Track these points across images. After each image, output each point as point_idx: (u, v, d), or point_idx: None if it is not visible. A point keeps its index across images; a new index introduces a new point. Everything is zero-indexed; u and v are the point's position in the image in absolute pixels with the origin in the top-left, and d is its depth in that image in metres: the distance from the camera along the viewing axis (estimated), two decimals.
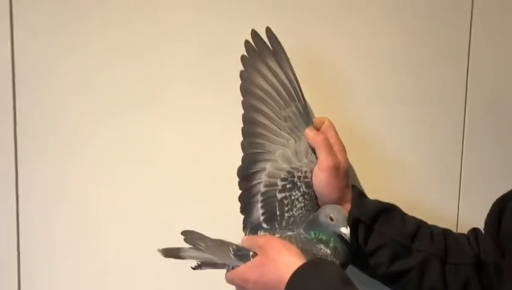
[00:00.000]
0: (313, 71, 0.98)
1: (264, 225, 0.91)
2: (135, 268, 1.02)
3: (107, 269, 1.02)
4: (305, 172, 0.91)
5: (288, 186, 0.91)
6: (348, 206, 0.91)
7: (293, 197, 0.90)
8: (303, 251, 0.83)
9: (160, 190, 1.00)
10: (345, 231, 0.83)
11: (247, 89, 0.91)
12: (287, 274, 0.79)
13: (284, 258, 0.81)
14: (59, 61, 0.96)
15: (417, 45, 1.01)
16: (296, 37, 0.97)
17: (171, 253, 0.87)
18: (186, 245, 0.88)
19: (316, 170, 0.90)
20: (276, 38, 0.90)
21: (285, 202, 0.90)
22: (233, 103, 0.92)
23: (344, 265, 0.86)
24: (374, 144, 1.03)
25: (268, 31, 0.90)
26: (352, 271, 0.89)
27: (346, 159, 0.92)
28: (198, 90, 0.98)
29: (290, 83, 0.91)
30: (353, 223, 0.90)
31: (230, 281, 0.87)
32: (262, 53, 0.90)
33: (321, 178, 0.89)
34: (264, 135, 0.91)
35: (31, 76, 0.96)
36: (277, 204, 0.91)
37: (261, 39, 0.90)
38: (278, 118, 0.91)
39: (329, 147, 0.90)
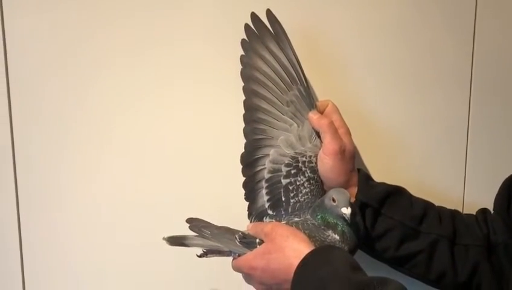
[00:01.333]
0: (315, 51, 0.97)
1: (270, 212, 0.90)
2: (141, 258, 1.01)
3: (112, 259, 1.01)
4: (310, 157, 0.89)
5: (292, 171, 0.89)
6: (355, 189, 0.91)
7: (298, 183, 0.89)
8: (310, 237, 0.83)
9: (164, 178, 0.99)
10: (346, 211, 0.81)
11: (248, 74, 0.90)
12: (295, 261, 0.78)
13: (292, 245, 0.81)
14: (56, 58, 0.94)
15: (422, 20, 0.99)
16: (298, 18, 0.95)
17: (176, 241, 0.86)
18: (192, 233, 0.86)
19: (321, 154, 0.89)
20: (277, 20, 0.89)
21: (291, 187, 0.89)
22: (235, 90, 0.90)
23: (353, 251, 0.85)
24: (378, 124, 1.01)
25: (269, 13, 0.88)
26: (358, 255, 0.88)
27: (352, 142, 0.91)
28: (199, 76, 0.96)
29: (292, 66, 0.89)
30: (360, 207, 0.90)
31: (236, 268, 0.87)
32: (263, 36, 0.89)
33: (326, 162, 0.88)
34: (266, 121, 0.90)
35: (26, 74, 0.95)
36: (282, 190, 0.90)
37: (262, 22, 0.89)
38: (280, 103, 0.90)
39: (335, 131, 0.88)
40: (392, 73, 1.00)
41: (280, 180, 0.90)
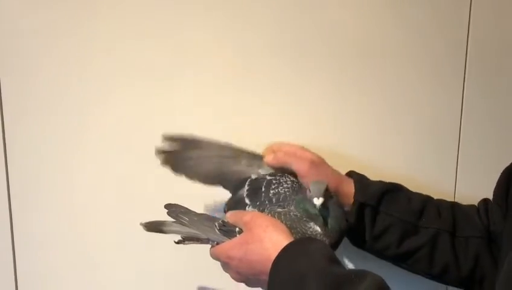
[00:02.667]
0: (302, 52, 0.97)
1: (247, 201, 0.89)
2: (133, 256, 1.01)
3: (104, 256, 1.01)
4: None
5: (278, 174, 0.91)
6: (350, 190, 0.90)
7: (281, 181, 0.90)
8: (291, 229, 0.81)
9: (155, 176, 0.95)
10: (317, 201, 0.80)
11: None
12: (273, 253, 0.76)
13: (271, 236, 0.79)
14: (48, 53, 0.93)
15: (416, 17, 0.98)
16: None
17: (153, 227, 0.85)
18: (170, 219, 0.85)
19: (300, 179, 0.90)
20: (180, 136, 0.91)
21: (274, 182, 0.90)
22: (227, 87, 0.93)
23: (335, 244, 0.83)
24: (370, 120, 1.01)
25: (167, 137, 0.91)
26: (351, 250, 0.89)
27: (310, 152, 0.92)
28: (185, 78, 0.96)
29: (226, 149, 0.92)
30: (359, 207, 0.89)
31: (214, 256, 0.85)
32: (184, 153, 0.92)
33: (306, 182, 0.88)
34: (234, 179, 0.93)
35: (16, 71, 0.94)
36: (264, 183, 0.90)
37: (177, 139, 0.91)
38: (236, 169, 0.92)
39: (292, 156, 0.91)
40: (383, 66, 0.99)
41: (265, 177, 0.91)
